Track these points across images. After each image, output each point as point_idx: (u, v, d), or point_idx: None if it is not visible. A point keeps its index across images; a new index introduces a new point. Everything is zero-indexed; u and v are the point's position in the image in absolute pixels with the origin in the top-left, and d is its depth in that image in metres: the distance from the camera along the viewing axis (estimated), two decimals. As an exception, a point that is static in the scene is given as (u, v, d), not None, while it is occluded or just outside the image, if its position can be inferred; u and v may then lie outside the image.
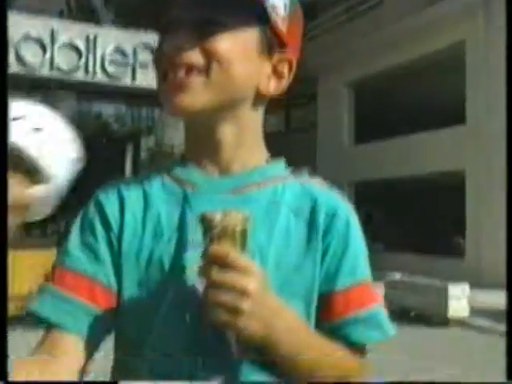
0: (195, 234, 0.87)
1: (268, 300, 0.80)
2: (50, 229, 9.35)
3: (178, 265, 0.89)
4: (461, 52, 12.26)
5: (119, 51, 8.57)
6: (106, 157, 10.37)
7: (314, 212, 0.95)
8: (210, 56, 0.87)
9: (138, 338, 0.89)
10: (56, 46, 8.24)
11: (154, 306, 0.89)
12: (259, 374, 0.87)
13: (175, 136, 10.00)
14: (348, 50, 13.85)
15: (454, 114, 12.39)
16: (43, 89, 8.80)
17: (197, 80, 0.88)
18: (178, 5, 0.89)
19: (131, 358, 0.90)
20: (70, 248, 0.93)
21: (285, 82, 0.95)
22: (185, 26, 0.88)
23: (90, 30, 8.57)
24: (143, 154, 10.65)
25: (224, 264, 0.77)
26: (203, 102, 0.88)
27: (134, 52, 8.58)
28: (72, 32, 8.40)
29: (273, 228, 0.91)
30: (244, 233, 0.79)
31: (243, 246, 0.79)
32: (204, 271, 0.77)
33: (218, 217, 0.78)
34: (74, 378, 0.88)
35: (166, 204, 0.94)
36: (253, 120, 0.97)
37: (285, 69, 0.95)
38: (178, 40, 0.88)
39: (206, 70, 0.88)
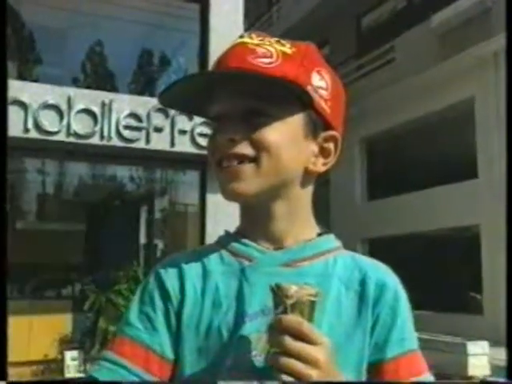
0: (252, 304, 0.95)
1: (332, 369, 0.84)
2: (65, 292, 9.37)
3: (236, 334, 0.94)
4: (471, 107, 12.38)
5: (133, 116, 8.77)
6: (120, 218, 10.49)
7: (364, 284, 1.00)
8: (259, 147, 0.95)
9: None
10: (73, 113, 8.45)
11: (213, 374, 0.94)
12: None
13: (188, 196, 10.11)
14: (360, 107, 14.04)
15: (466, 169, 12.42)
16: (60, 153, 9.00)
17: (248, 169, 0.95)
18: (226, 96, 0.97)
19: None
20: (130, 318, 0.99)
21: (332, 158, 1.02)
22: (234, 117, 0.96)
23: (105, 95, 8.80)
24: (157, 215, 10.74)
25: (297, 334, 0.81)
26: (255, 188, 0.96)
27: (148, 116, 8.77)
28: (88, 98, 8.63)
29: (325, 299, 0.94)
30: (314, 305, 0.84)
31: (312, 317, 0.83)
32: (277, 339, 0.81)
33: (294, 288, 0.83)
34: None
35: (224, 276, 1.00)
36: (303, 196, 1.03)
37: (331, 146, 1.02)
38: (229, 132, 0.95)
39: (257, 159, 0.95)
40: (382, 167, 14.92)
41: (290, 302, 0.82)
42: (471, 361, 8.13)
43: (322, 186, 16.19)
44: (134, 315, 0.99)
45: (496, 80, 11.55)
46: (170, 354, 0.97)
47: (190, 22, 10.01)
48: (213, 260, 1.02)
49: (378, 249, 14.17)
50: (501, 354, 8.59)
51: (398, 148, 14.62)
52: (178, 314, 0.98)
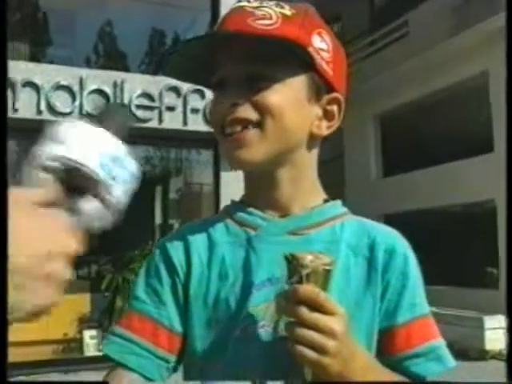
0: (259, 274, 0.94)
1: (348, 340, 0.83)
2: (83, 273, 9.46)
3: (243, 305, 0.93)
4: (486, 81, 12.23)
5: (146, 95, 8.75)
6: (135, 199, 10.51)
7: (372, 249, 0.99)
8: (262, 110, 0.92)
9: (206, 375, 0.94)
10: (85, 93, 8.45)
11: (221, 345, 0.94)
12: None
13: (202, 175, 10.12)
14: (373, 82, 13.91)
15: (482, 143, 12.30)
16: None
17: (253, 134, 0.93)
18: (227, 62, 0.95)
19: None
20: (137, 292, 1.00)
21: (336, 121, 1.00)
22: (236, 81, 0.93)
23: (117, 75, 8.77)
24: (172, 195, 10.76)
25: (313, 304, 0.79)
26: (260, 155, 0.94)
27: (160, 95, 8.75)
28: (100, 79, 8.62)
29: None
30: (329, 275, 0.82)
31: (327, 287, 0.82)
32: (292, 309, 0.80)
33: (309, 258, 0.81)
34: None
35: (230, 246, 0.98)
36: (308, 161, 1.01)
37: (334, 108, 0.99)
38: (232, 96, 0.93)
39: (260, 124, 0.92)
40: (396, 143, 14.82)
41: (305, 271, 0.80)
42: (488, 334, 8.15)
43: (337, 162, 16.15)
44: (141, 289, 0.99)
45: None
46: (178, 327, 0.97)
47: (200, -1, 9.93)
48: (219, 230, 1.01)
49: (394, 225, 14.01)
50: (517, 328, 8.59)
51: (413, 123, 14.50)
52: (185, 287, 0.97)
